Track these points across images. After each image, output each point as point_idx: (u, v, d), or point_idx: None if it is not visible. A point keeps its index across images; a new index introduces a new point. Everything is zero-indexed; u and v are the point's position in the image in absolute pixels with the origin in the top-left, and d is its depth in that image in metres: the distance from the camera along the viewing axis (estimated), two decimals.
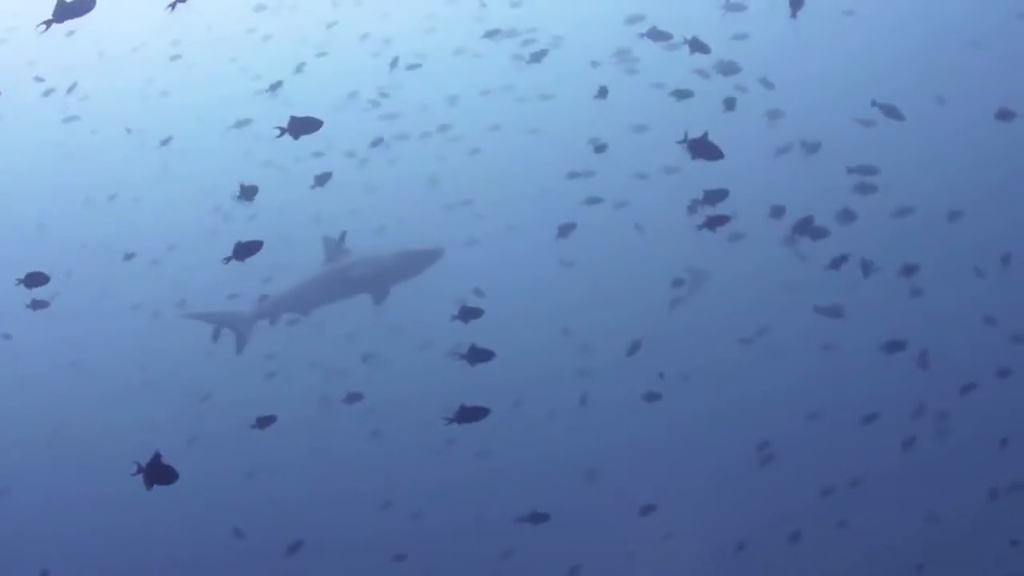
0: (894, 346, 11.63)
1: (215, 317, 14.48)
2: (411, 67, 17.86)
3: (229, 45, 27.38)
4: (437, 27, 26.37)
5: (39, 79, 20.91)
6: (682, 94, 11.27)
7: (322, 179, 11.98)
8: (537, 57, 13.70)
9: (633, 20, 17.00)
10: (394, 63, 17.84)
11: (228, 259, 8.11)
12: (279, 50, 21.44)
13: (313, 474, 19.20)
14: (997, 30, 23.22)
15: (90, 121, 25.94)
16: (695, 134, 8.15)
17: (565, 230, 13.15)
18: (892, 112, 11.80)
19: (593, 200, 15.70)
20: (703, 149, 8.11)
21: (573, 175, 16.87)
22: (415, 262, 13.29)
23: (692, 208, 9.53)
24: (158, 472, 6.28)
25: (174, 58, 24.73)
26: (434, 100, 23.77)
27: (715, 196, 9.22)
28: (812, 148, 14.62)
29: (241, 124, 19.19)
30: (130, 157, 26.70)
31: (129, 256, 17.80)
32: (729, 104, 11.40)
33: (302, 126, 7.97)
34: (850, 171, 12.35)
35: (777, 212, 11.81)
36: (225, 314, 14.50)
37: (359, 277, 13.36)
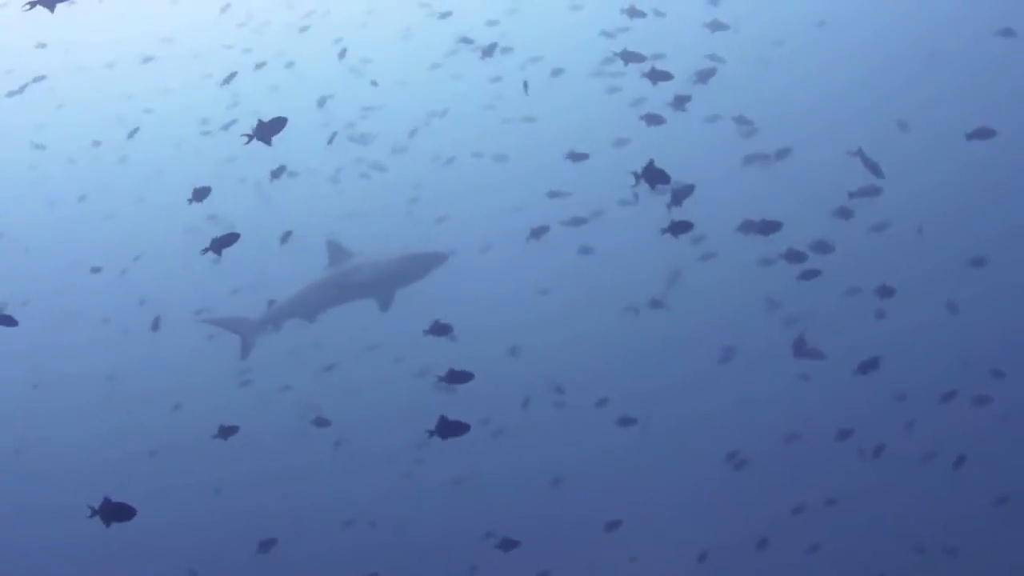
0: (867, 366, 11.56)
1: (221, 323, 14.56)
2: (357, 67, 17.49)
3: (205, 61, 27.31)
4: (413, 37, 26.41)
5: (12, 92, 20.80)
6: (653, 119, 11.21)
7: (277, 172, 11.99)
8: (488, 51, 13.59)
9: (609, 35, 16.99)
10: (342, 54, 17.82)
11: (205, 250, 8.16)
12: (264, 74, 21.39)
13: (281, 490, 19.13)
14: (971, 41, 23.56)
15: (64, 134, 25.91)
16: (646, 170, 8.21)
17: (538, 233, 13.02)
18: (874, 168, 11.79)
19: (578, 220, 15.65)
20: (654, 176, 8.16)
21: (554, 194, 16.74)
22: (419, 266, 13.08)
23: (634, 188, 9.36)
24: (114, 511, 6.38)
25: (146, 60, 24.73)
26: (408, 116, 23.74)
27: (682, 194, 9.12)
28: (783, 154, 14.56)
29: (206, 133, 19.19)
30: (104, 174, 26.66)
31: (96, 270, 17.77)
32: (679, 103, 11.29)
33: (269, 128, 7.91)
34: (851, 195, 12.27)
35: (747, 227, 11.79)
36: (231, 320, 14.51)
37: (362, 281, 13.22)
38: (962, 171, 21.14)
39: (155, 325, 14.83)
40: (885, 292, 12.21)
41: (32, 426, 21.22)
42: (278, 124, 7.87)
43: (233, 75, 14.11)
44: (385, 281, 13.19)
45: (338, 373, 19.50)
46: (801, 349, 11.91)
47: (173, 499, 18.65)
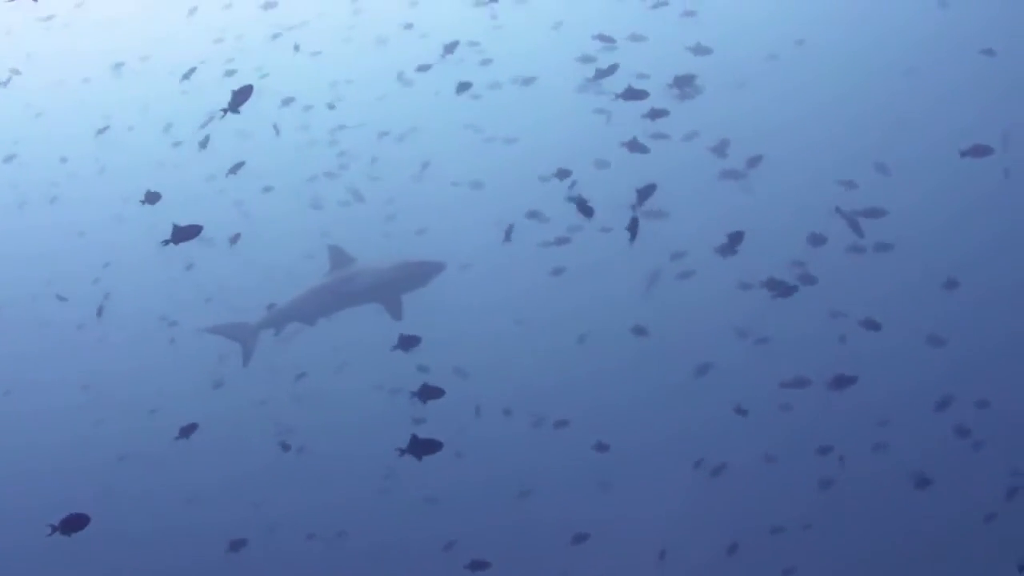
0: (844, 381, 11.48)
1: (221, 330, 14.39)
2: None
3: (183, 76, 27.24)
4: (394, 53, 26.39)
5: None
6: (635, 146, 11.09)
7: (236, 168, 11.97)
8: (450, 48, 13.46)
9: (589, 59, 16.92)
10: (296, 49, 17.90)
11: (166, 242, 8.05)
12: (235, 81, 21.32)
13: (248, 501, 19.03)
14: (949, 54, 23.77)
15: (40, 147, 25.79)
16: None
17: (509, 233, 12.90)
18: (854, 224, 11.76)
19: (561, 240, 15.58)
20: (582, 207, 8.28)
21: (532, 214, 16.63)
22: (416, 274, 12.92)
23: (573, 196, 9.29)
24: (72, 523, 6.50)
25: (117, 66, 24.71)
26: (388, 132, 23.66)
27: (645, 193, 9.06)
28: (754, 162, 14.46)
29: (177, 144, 19.21)
30: (79, 188, 26.59)
31: (62, 298, 17.80)
32: (654, 115, 11.17)
33: (239, 97, 8.14)
34: (855, 213, 12.18)
35: (725, 250, 11.74)
36: (230, 326, 14.33)
37: (358, 290, 13.10)
38: (944, 186, 21.22)
39: (99, 312, 14.80)
40: (871, 325, 12.18)
41: (3, 433, 21.07)
42: (245, 92, 8.10)
43: (192, 70, 14.12)
44: (382, 289, 13.03)
45: (313, 387, 19.41)
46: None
47: (143, 505, 18.61)
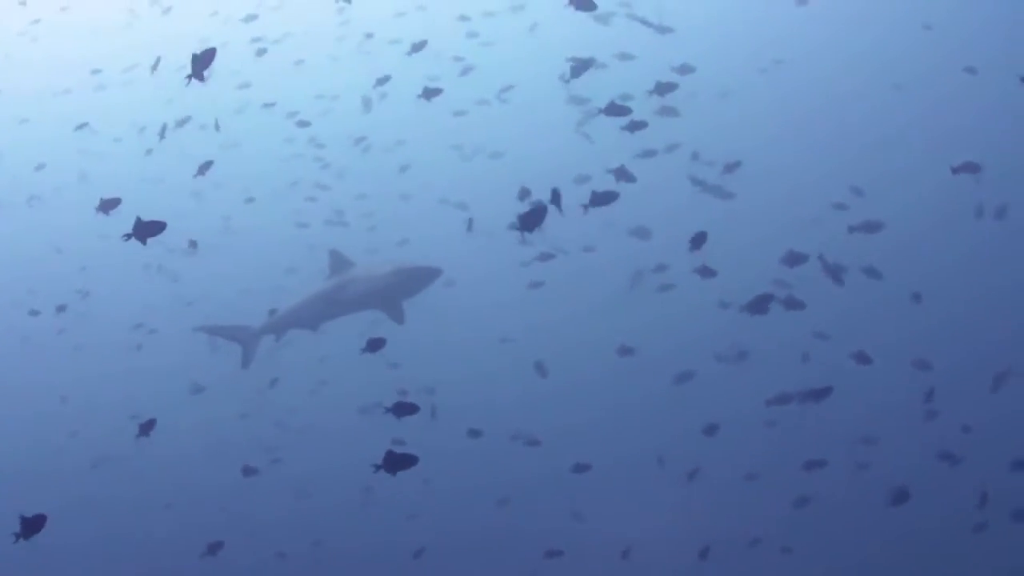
0: (821, 393, 11.51)
1: (222, 331, 14.38)
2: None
3: (171, 88, 27.22)
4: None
5: None
6: (622, 174, 11.06)
7: (204, 167, 11.89)
8: (418, 47, 13.40)
9: (566, 81, 16.92)
10: (261, 53, 17.99)
11: (128, 236, 7.83)
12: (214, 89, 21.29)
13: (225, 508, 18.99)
14: (927, 72, 23.96)
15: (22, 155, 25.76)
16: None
17: (470, 223, 12.80)
18: (833, 273, 11.81)
19: (546, 256, 15.58)
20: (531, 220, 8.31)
21: (513, 226, 16.56)
22: (412, 280, 12.81)
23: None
24: (30, 526, 6.57)
25: (97, 80, 24.66)
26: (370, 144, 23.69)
27: (602, 198, 9.02)
28: (731, 168, 14.45)
29: (149, 152, 19.29)
30: (62, 200, 26.56)
31: (34, 312, 17.74)
32: (636, 126, 11.10)
33: (201, 61, 7.87)
34: (852, 229, 12.20)
35: (707, 273, 11.77)
36: (232, 328, 14.29)
37: (355, 295, 13.07)
38: (927, 201, 21.31)
39: (61, 308, 15.42)
40: (862, 359, 12.22)
41: None
42: (208, 56, 7.85)
43: (159, 60, 14.08)
44: (376, 296, 12.96)
45: (291, 401, 19.39)
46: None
47: (120, 511, 18.54)
